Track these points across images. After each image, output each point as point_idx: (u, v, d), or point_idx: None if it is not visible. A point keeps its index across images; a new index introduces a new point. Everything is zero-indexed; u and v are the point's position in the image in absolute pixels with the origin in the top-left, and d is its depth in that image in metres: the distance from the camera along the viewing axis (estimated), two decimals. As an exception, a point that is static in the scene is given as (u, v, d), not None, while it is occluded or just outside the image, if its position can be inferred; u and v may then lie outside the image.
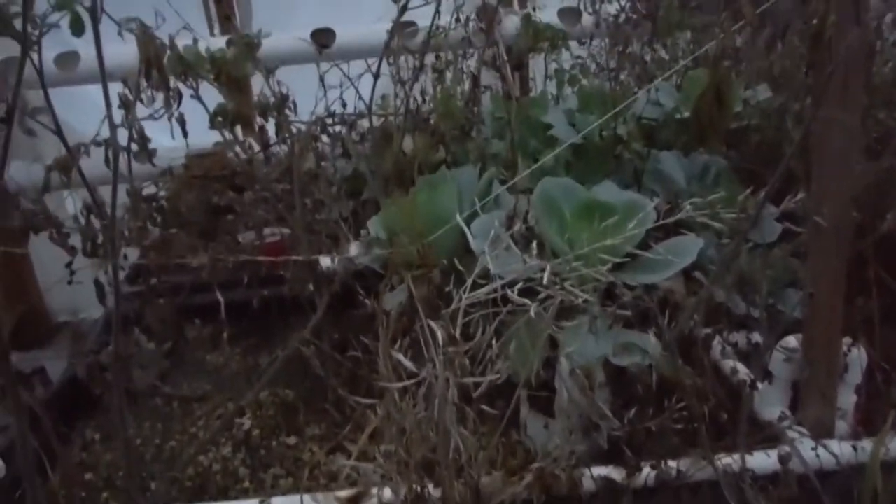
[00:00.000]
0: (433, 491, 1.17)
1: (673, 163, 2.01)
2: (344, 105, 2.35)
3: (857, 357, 1.51)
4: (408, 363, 1.08)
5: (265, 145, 2.48)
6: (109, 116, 1.50)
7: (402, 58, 2.32)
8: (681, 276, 1.64)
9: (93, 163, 1.68)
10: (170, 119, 2.08)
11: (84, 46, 2.33)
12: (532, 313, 1.22)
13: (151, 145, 1.95)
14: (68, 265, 1.87)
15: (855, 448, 1.44)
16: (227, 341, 1.96)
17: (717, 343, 1.74)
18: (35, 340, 2.58)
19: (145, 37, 1.71)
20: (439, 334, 1.06)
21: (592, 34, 2.49)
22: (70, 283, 1.85)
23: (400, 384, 1.08)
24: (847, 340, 1.51)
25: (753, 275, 1.62)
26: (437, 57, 2.32)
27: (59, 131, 1.09)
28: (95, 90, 1.74)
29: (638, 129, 2.14)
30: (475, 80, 2.15)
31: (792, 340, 1.56)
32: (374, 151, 2.36)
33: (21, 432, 1.05)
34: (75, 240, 1.94)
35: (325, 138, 2.47)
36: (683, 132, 2.13)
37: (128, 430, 1.16)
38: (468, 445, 1.08)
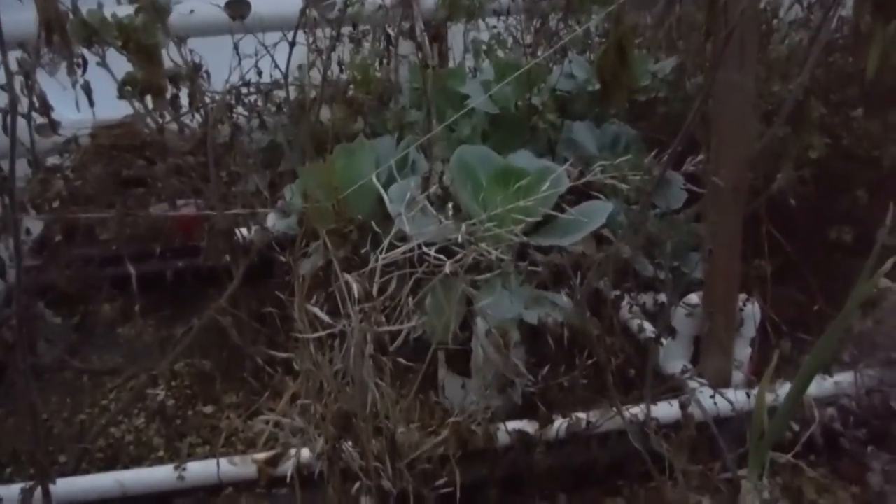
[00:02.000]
0: (350, 446, 1.18)
1: (585, 132, 2.08)
2: (259, 74, 2.31)
3: (752, 312, 1.62)
4: (324, 316, 1.09)
5: (177, 115, 2.41)
6: (9, 81, 1.43)
7: (319, 29, 2.30)
8: (592, 239, 1.71)
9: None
10: (74, 87, 2.00)
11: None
12: (447, 270, 1.24)
13: (55, 117, 1.86)
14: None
15: (749, 395, 1.54)
16: (140, 313, 1.90)
17: (625, 304, 1.82)
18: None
19: (45, -1, 1.64)
20: (355, 288, 1.07)
21: (509, 8, 2.53)
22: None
23: (316, 335, 1.09)
24: (742, 296, 1.61)
25: (660, 237, 1.69)
26: (355, 27, 2.31)
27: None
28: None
29: (552, 100, 2.19)
30: (391, 48, 2.14)
31: (694, 297, 1.65)
32: (291, 122, 2.34)
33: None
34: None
35: (240, 109, 2.43)
36: (596, 104, 2.20)
37: (33, 397, 1.12)
38: (385, 396, 1.10)
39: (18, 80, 1.62)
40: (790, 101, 1.66)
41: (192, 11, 2.32)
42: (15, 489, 1.30)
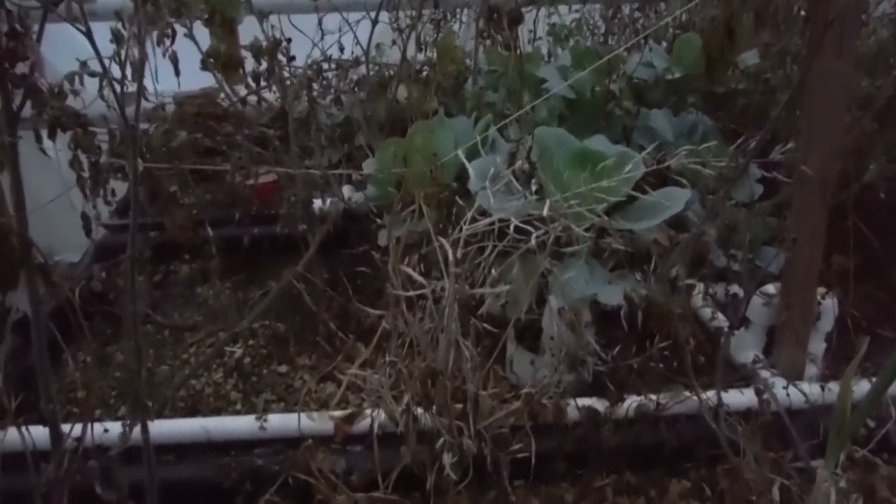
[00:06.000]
0: (429, 405, 1.21)
1: (662, 120, 2.07)
2: (342, 50, 2.36)
3: (830, 306, 1.60)
4: (417, 277, 1.12)
5: (258, 88, 2.48)
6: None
7: (401, 10, 2.34)
8: (666, 227, 1.71)
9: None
10: (164, 55, 2.07)
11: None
12: (533, 242, 1.27)
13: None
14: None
15: (823, 389, 1.53)
16: (218, 276, 1.97)
17: (697, 293, 1.82)
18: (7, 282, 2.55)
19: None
20: (450, 252, 1.10)
21: (587, -4, 2.54)
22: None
23: (409, 294, 1.13)
24: (821, 290, 1.59)
25: (737, 227, 1.69)
26: (436, 7, 2.34)
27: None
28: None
29: (629, 88, 2.19)
30: (484, 26, 2.16)
31: (770, 288, 1.64)
32: (369, 98, 2.38)
33: (37, 324, 1.07)
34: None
35: (317, 85, 2.49)
36: (673, 92, 2.19)
37: (140, 340, 1.18)
38: (472, 356, 1.13)
39: (112, 49, 1.67)
40: (881, 95, 1.64)
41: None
42: (115, 425, 1.38)
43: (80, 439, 1.13)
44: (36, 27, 1.00)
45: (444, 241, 1.11)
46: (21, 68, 0.97)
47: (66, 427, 1.24)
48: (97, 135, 1.68)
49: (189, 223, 1.73)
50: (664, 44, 2.53)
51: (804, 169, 1.38)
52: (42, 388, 1.12)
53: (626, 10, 2.56)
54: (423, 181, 1.42)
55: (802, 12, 1.21)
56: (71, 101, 1.55)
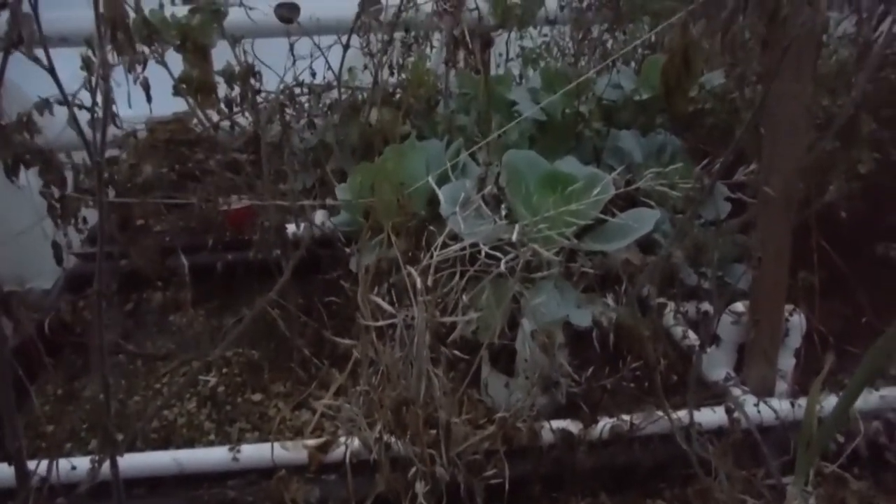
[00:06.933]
0: (405, 433, 1.21)
1: (631, 141, 2.10)
2: (313, 75, 2.37)
3: (798, 322, 1.63)
4: (387, 306, 1.13)
5: (230, 113, 2.48)
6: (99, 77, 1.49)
7: (372, 33, 2.36)
8: (636, 248, 1.73)
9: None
10: (136, 82, 2.06)
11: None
12: (502, 268, 1.28)
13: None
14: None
15: (793, 405, 1.55)
16: (191, 303, 1.96)
17: (668, 311, 1.84)
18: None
19: (111, -3, 1.70)
20: (419, 281, 1.11)
21: (556, 18, 2.57)
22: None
23: (378, 324, 1.13)
24: (789, 307, 1.62)
25: (705, 246, 1.71)
26: (407, 31, 2.36)
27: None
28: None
29: (598, 109, 2.22)
30: (453, 52, 2.18)
31: (739, 306, 1.66)
32: (341, 122, 2.39)
33: (1, 362, 1.06)
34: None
35: (290, 110, 2.49)
36: (642, 113, 2.22)
37: (107, 374, 1.17)
38: (442, 384, 1.13)
39: (82, 77, 1.66)
40: (842, 114, 1.67)
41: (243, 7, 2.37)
42: (83, 461, 1.36)
43: (45, 478, 1.12)
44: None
45: (412, 270, 1.11)
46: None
47: (32, 464, 1.22)
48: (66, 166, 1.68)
49: (158, 256, 1.72)
50: (633, 64, 2.57)
51: (766, 189, 1.41)
52: (7, 425, 1.10)
53: (594, 31, 2.60)
54: (391, 210, 1.43)
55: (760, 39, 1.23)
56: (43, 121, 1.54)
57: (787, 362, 1.64)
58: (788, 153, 1.41)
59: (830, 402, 1.50)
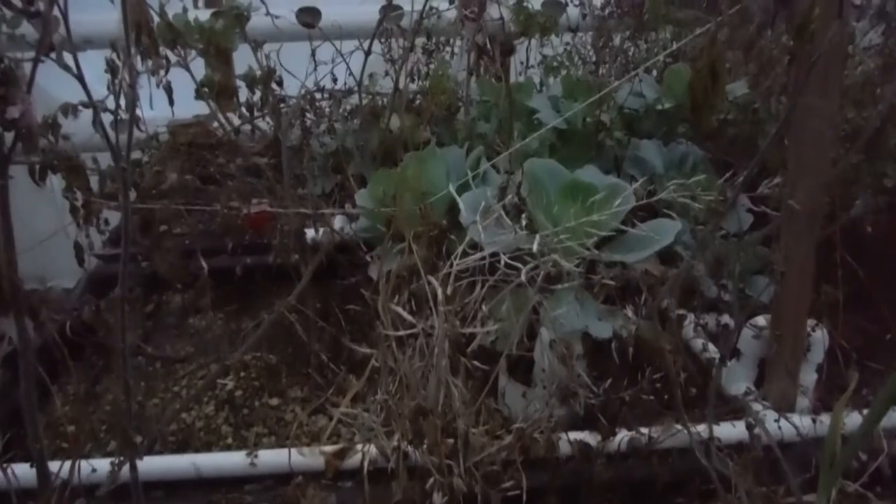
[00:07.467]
0: (423, 443, 1.21)
1: (652, 151, 2.09)
2: (335, 80, 2.38)
3: (820, 338, 1.61)
4: (407, 316, 1.13)
5: (252, 117, 2.50)
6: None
7: (394, 39, 2.37)
8: (656, 259, 1.72)
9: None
10: (158, 85, 2.08)
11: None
12: (523, 277, 1.27)
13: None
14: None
15: (814, 421, 1.53)
16: (210, 306, 1.97)
17: (688, 323, 1.83)
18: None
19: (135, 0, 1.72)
20: (439, 291, 1.11)
21: (577, 26, 2.56)
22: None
23: (399, 333, 1.13)
24: (811, 322, 1.60)
25: (727, 258, 1.70)
26: (428, 38, 2.36)
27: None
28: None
29: (620, 118, 2.21)
30: (475, 59, 2.18)
31: (761, 320, 1.65)
32: (361, 128, 2.40)
33: (25, 363, 1.07)
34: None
35: (310, 115, 2.50)
36: (664, 123, 2.21)
37: (129, 376, 1.18)
38: (461, 394, 1.13)
39: (105, 78, 1.67)
40: (868, 128, 1.65)
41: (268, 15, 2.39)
42: (102, 462, 1.37)
43: (67, 480, 1.13)
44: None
45: (433, 279, 1.11)
46: (12, 112, 0.97)
47: (53, 465, 1.23)
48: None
49: (179, 262, 1.73)
50: (654, 73, 2.56)
51: (791, 203, 1.39)
52: (29, 426, 1.12)
53: (616, 39, 2.59)
54: (412, 220, 1.43)
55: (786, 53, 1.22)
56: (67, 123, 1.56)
57: (808, 378, 1.62)
58: (813, 166, 1.40)
59: (853, 419, 1.48)
